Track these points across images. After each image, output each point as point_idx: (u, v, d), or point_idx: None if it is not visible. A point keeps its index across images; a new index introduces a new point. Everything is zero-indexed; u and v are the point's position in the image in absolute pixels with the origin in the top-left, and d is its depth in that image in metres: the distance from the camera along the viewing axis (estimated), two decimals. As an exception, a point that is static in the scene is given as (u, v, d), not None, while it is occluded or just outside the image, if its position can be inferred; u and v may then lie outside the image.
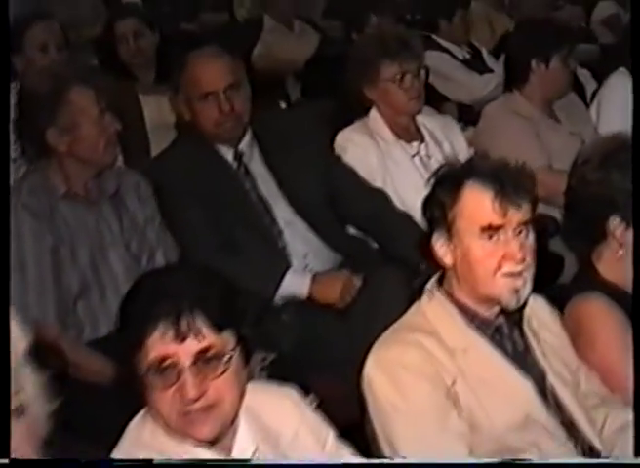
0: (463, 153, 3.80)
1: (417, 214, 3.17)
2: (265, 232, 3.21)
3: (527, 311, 2.41)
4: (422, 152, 3.74)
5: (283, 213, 3.25)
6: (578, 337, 2.58)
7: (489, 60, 5.49)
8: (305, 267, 3.21)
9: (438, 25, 5.50)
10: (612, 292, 2.65)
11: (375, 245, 3.41)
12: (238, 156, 3.25)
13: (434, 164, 3.69)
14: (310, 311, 3.10)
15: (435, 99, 5.20)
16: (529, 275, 2.30)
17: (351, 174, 3.43)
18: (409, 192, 3.59)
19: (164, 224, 3.09)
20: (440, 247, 2.31)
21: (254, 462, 1.97)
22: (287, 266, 3.15)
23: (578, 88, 5.36)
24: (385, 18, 5.17)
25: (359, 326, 2.97)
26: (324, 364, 2.98)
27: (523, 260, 2.26)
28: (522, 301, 2.30)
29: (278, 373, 2.83)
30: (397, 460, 2.14)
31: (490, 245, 2.25)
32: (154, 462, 1.83)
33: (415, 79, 3.72)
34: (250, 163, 3.26)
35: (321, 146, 3.39)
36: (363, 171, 3.56)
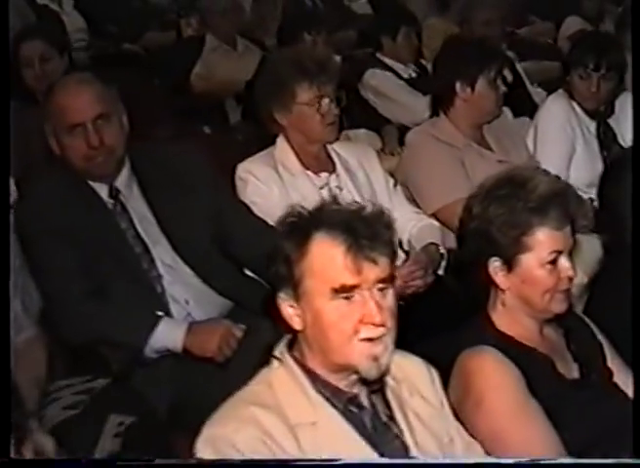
0: (380, 184, 3.52)
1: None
2: (142, 276, 2.90)
3: (398, 376, 2.12)
4: (332, 183, 3.44)
5: (164, 255, 2.94)
6: (465, 397, 2.30)
7: (436, 80, 5.20)
8: (187, 315, 2.91)
9: (381, 43, 5.24)
10: (506, 345, 2.36)
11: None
12: (114, 193, 2.95)
13: (346, 195, 3.41)
14: (187, 365, 2.81)
15: (375, 121, 4.96)
16: (390, 340, 2.00)
17: (243, 211, 3.13)
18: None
19: (25, 270, 2.80)
20: (287, 308, 2.02)
21: (255, 463, 1.86)
22: (163, 315, 2.86)
23: (532, 108, 5.10)
24: (321, 36, 4.88)
25: (239, 382, 2.67)
26: (197, 426, 2.67)
27: (382, 324, 1.97)
28: (383, 369, 2.00)
29: (139, 438, 2.54)
30: (399, 460, 2.00)
31: (344, 307, 1.95)
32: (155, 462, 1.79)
33: (332, 104, 3.42)
34: (128, 201, 2.95)
35: (210, 182, 3.08)
36: (264, 205, 3.27)
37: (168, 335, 2.79)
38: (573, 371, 2.40)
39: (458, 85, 3.68)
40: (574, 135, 4.08)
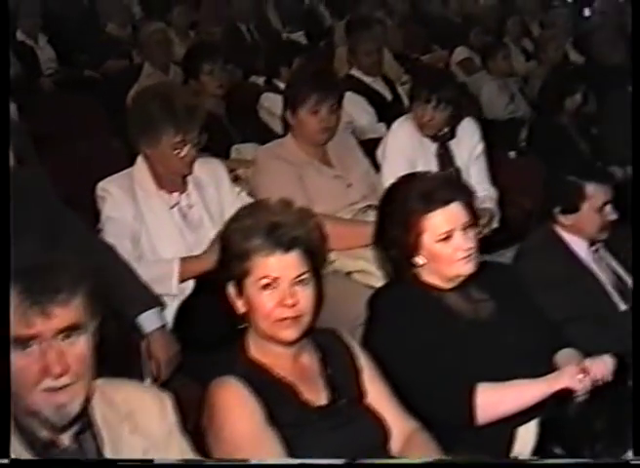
0: (229, 196, 2.97)
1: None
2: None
3: (122, 412, 1.63)
4: (183, 202, 2.88)
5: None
6: (209, 426, 1.82)
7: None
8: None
9: (279, 71, 4.72)
10: (253, 373, 1.85)
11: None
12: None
13: (195, 213, 2.89)
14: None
15: (268, 136, 4.46)
16: (80, 387, 1.51)
17: (78, 228, 2.61)
18: (163, 243, 2.81)
19: None
20: None
21: (254, 462, 1.68)
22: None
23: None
24: (218, 64, 4.33)
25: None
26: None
27: (66, 372, 1.48)
28: (72, 416, 1.52)
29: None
30: (395, 460, 1.83)
31: (23, 358, 1.48)
32: (154, 462, 1.56)
33: (192, 148, 2.81)
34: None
35: (48, 203, 2.56)
36: (119, 221, 2.77)
37: None
38: (321, 398, 1.90)
39: (299, 111, 3.17)
40: (414, 155, 3.55)
